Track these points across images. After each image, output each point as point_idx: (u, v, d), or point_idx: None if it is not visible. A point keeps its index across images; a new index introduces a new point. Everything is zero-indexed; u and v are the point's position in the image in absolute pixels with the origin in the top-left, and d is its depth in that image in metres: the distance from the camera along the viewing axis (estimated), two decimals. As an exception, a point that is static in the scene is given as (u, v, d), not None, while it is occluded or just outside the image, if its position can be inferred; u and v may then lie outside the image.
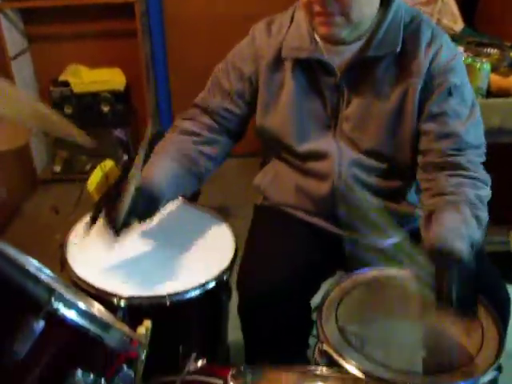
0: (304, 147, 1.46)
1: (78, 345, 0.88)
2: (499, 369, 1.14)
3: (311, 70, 1.42)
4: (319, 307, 1.27)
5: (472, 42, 2.36)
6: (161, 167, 1.42)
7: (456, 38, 2.41)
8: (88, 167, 3.18)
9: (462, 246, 1.21)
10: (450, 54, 1.38)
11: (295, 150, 1.47)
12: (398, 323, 1.29)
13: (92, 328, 0.87)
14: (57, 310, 0.83)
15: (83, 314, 0.87)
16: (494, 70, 2.21)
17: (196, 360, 1.26)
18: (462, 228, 1.25)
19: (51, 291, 0.83)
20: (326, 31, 1.32)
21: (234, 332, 1.62)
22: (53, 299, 0.82)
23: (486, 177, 1.39)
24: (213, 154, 1.52)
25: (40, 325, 0.82)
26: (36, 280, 0.83)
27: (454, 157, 1.36)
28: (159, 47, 3.26)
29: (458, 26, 2.53)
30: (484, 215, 1.32)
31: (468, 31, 2.50)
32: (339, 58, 1.39)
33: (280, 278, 1.37)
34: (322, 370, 0.75)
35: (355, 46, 1.37)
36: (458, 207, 1.30)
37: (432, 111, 1.37)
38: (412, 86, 1.36)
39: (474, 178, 1.35)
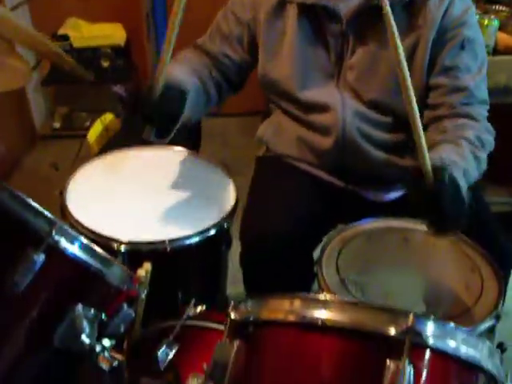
0: (306, 96, 1.43)
1: (79, 280, 0.87)
2: (497, 318, 1.14)
3: (316, 16, 1.39)
4: (319, 257, 1.27)
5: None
6: (182, 72, 1.39)
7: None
8: (87, 123, 3.14)
9: (456, 174, 1.17)
10: (464, 7, 1.36)
11: (297, 98, 1.44)
12: (398, 273, 1.29)
13: (93, 263, 0.87)
14: (58, 242, 0.82)
15: (85, 248, 0.86)
16: (502, 27, 2.18)
17: (195, 306, 1.27)
18: (457, 160, 1.22)
19: (52, 223, 0.82)
20: None
21: (235, 288, 1.63)
22: (54, 232, 0.81)
23: (491, 128, 1.38)
24: (215, 92, 1.50)
25: (41, 258, 0.81)
26: (37, 212, 0.82)
27: (464, 108, 1.35)
28: (160, 1, 3.19)
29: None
30: (483, 157, 1.31)
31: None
32: (345, 5, 1.35)
33: (282, 228, 1.36)
34: (326, 296, 0.75)
35: None
36: (457, 143, 1.29)
37: (444, 65, 1.35)
38: (423, 37, 1.33)
39: (478, 125, 1.35)
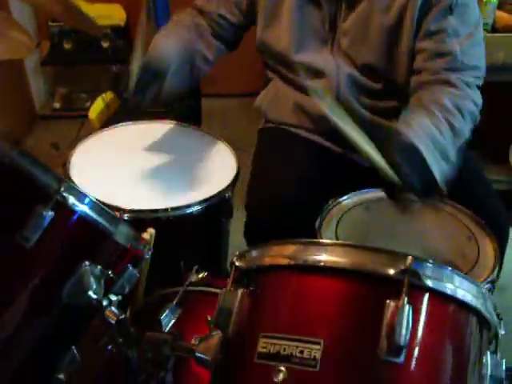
0: (302, 60, 1.46)
1: (87, 237, 0.90)
2: (493, 282, 1.17)
3: None
4: (319, 226, 1.29)
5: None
6: (168, 42, 1.45)
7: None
8: (87, 104, 3.14)
9: (420, 146, 1.19)
10: None
11: (294, 63, 1.47)
12: (397, 242, 1.30)
13: (101, 221, 0.89)
14: (66, 199, 0.84)
15: (93, 206, 0.88)
16: (501, 6, 2.20)
17: (197, 273, 1.29)
18: (426, 127, 1.24)
19: (60, 181, 0.84)
20: None
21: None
22: (62, 189, 0.84)
23: (476, 97, 1.36)
24: (207, 55, 1.54)
25: (49, 214, 0.83)
26: (45, 169, 0.84)
27: (446, 74, 1.34)
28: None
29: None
30: (461, 126, 1.29)
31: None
32: None
33: (285, 193, 1.38)
34: (327, 242, 0.78)
35: None
36: (430, 109, 1.29)
37: (429, 29, 1.34)
38: (411, 0, 1.34)
39: (459, 91, 1.33)
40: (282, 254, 0.75)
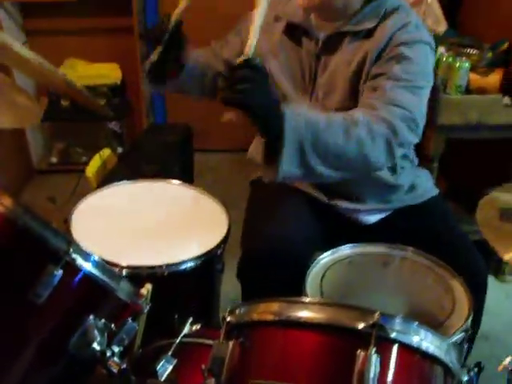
0: (285, 100, 1.58)
1: (92, 293, 0.99)
2: (467, 331, 1.26)
3: (298, 35, 1.58)
4: (304, 282, 1.37)
5: (454, 43, 2.49)
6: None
7: (439, 39, 2.54)
8: (84, 158, 3.26)
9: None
10: (413, 36, 1.46)
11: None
12: (379, 295, 1.40)
13: (105, 279, 0.98)
14: (74, 260, 0.94)
15: (98, 265, 0.98)
16: (474, 69, 2.34)
17: (191, 325, 1.37)
18: (313, 115, 1.32)
19: (70, 243, 0.94)
20: (300, 2, 1.48)
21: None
22: (71, 250, 0.93)
23: (399, 128, 1.36)
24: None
25: (59, 273, 0.92)
26: (56, 232, 0.94)
27: (373, 100, 1.40)
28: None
29: (442, 27, 2.66)
30: (357, 133, 1.30)
31: (451, 32, 2.63)
32: (324, 31, 1.54)
33: (278, 242, 1.48)
34: (306, 298, 0.88)
35: (336, 25, 1.52)
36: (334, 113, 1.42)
37: (374, 72, 1.46)
38: (370, 51, 1.47)
39: (377, 113, 1.36)
40: (269, 310, 0.85)
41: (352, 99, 1.51)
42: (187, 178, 2.60)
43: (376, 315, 0.78)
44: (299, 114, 1.28)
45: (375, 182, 1.59)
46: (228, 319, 0.90)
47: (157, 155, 2.34)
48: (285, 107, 1.27)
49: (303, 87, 1.59)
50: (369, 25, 1.48)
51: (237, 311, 0.91)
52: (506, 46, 2.41)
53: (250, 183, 1.80)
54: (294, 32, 1.58)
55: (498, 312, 2.25)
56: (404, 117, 1.37)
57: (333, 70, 1.53)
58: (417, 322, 0.83)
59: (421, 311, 1.36)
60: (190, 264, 1.43)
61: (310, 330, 0.82)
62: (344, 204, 1.61)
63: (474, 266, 1.50)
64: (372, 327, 0.78)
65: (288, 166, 1.25)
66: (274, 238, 1.49)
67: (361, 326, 0.79)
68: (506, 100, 2.27)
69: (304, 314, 0.82)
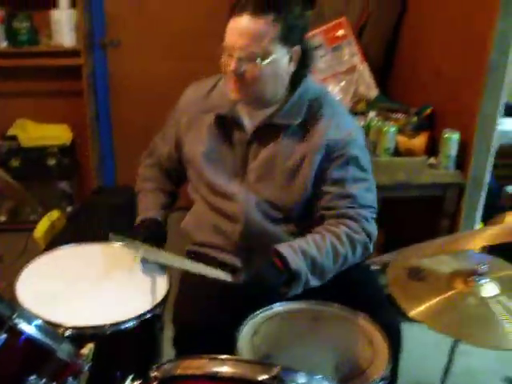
0: (217, 187, 1.70)
1: (34, 354, 1.06)
2: (387, 379, 1.37)
3: (227, 126, 1.69)
4: (236, 338, 1.45)
5: (383, 108, 2.70)
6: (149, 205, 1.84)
7: (370, 104, 2.75)
8: (33, 217, 3.28)
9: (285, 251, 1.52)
10: (348, 129, 1.64)
11: (211, 189, 1.72)
12: (309, 349, 1.50)
13: (47, 341, 1.06)
14: (17, 324, 1.02)
15: (41, 328, 1.06)
16: (401, 132, 2.55)
17: (132, 381, 1.44)
18: (307, 248, 1.53)
19: (13, 308, 1.02)
20: (232, 96, 1.60)
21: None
22: (15, 315, 1.01)
23: (372, 228, 1.63)
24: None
25: (2, 336, 1.00)
26: (0, 299, 1.02)
27: (347, 210, 1.61)
28: (104, 106, 3.48)
29: (373, 93, 2.87)
30: (344, 252, 1.57)
31: (381, 98, 2.84)
32: (252, 120, 1.66)
33: (209, 314, 1.57)
34: (225, 356, 0.98)
35: (267, 111, 1.64)
36: (323, 234, 1.57)
37: (333, 177, 1.62)
38: (310, 153, 1.61)
39: (356, 224, 1.60)
40: (191, 366, 0.96)
41: (286, 191, 1.65)
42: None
43: (276, 369, 0.90)
44: (296, 251, 1.52)
45: None
46: (154, 374, 1.00)
47: (105, 217, 2.41)
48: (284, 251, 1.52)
49: (234, 172, 1.70)
50: (298, 118, 1.62)
51: (163, 367, 1.00)
52: (429, 111, 2.63)
53: (186, 252, 1.87)
54: (224, 122, 1.70)
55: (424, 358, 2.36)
56: (372, 215, 1.65)
57: (266, 158, 1.65)
58: (320, 376, 0.95)
59: (347, 361, 1.46)
60: (131, 323, 1.51)
61: (224, 382, 0.92)
62: None
63: (389, 318, 1.61)
64: (273, 379, 0.89)
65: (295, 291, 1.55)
66: (205, 312, 1.58)
67: (264, 377, 0.90)
68: (432, 160, 2.47)
69: (220, 369, 0.93)
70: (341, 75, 2.95)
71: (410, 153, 2.51)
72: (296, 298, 1.58)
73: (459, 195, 2.47)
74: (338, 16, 2.99)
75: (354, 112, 2.69)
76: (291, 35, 1.55)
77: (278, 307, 1.57)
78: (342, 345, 1.50)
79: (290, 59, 1.59)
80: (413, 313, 1.28)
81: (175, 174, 1.88)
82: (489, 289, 1.31)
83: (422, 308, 1.29)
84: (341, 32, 2.97)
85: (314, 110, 1.64)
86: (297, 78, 1.64)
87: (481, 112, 2.33)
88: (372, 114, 2.59)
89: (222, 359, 0.96)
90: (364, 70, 2.92)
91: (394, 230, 2.61)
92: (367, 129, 2.48)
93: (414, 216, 2.71)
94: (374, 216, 1.65)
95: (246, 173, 1.68)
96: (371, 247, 1.62)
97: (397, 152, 2.50)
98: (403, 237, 1.73)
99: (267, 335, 1.49)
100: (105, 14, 3.34)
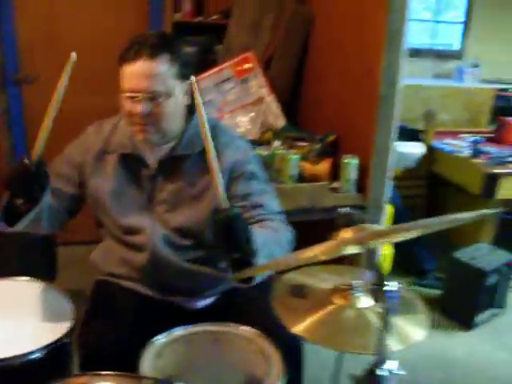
0: (124, 223, 1.76)
1: None
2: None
3: (132, 163, 1.76)
4: (139, 362, 1.48)
5: (289, 137, 2.85)
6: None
7: (277, 134, 2.90)
8: None
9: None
10: (244, 149, 1.78)
11: (118, 225, 1.77)
12: (213, 370, 1.57)
13: None
14: None
15: None
16: (306, 159, 2.69)
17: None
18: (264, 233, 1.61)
19: None
20: (141, 137, 1.68)
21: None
22: None
23: (290, 229, 1.74)
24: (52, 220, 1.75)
25: None
26: None
27: (263, 217, 1.71)
28: (20, 143, 3.46)
29: (280, 123, 3.02)
30: (282, 235, 1.68)
31: (288, 127, 2.99)
32: (155, 155, 1.74)
33: (114, 340, 1.62)
34: (105, 372, 1.06)
35: (167, 146, 1.73)
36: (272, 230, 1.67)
37: (240, 194, 1.72)
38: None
39: (276, 222, 1.71)
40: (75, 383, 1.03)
41: (195, 218, 1.73)
42: (49, 273, 2.68)
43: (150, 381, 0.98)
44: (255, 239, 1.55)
45: (212, 277, 1.81)
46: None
47: (17, 253, 2.41)
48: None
49: (143, 206, 1.77)
50: (198, 147, 1.70)
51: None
52: (332, 138, 2.79)
53: (95, 282, 1.91)
54: (128, 160, 1.76)
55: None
56: (284, 219, 1.76)
57: (172, 190, 1.74)
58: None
59: (247, 381, 1.54)
60: (39, 354, 1.55)
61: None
62: (177, 298, 1.81)
63: (289, 339, 1.70)
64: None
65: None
66: (110, 338, 1.62)
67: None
68: (335, 185, 2.63)
69: None
70: (249, 106, 3.09)
71: (314, 178, 2.65)
72: (195, 320, 1.66)
73: (360, 216, 2.62)
74: (246, 50, 3.15)
75: (261, 142, 2.82)
76: (186, 71, 1.67)
77: (179, 331, 1.64)
78: (242, 364, 1.58)
79: (185, 93, 1.70)
80: (295, 328, 1.37)
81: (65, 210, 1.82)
82: (365, 301, 1.43)
83: (303, 323, 1.38)
84: (248, 65, 3.12)
85: (212, 137, 1.74)
86: (192, 110, 1.74)
87: (375, 139, 2.51)
88: (277, 143, 2.73)
89: (102, 374, 1.03)
90: (271, 101, 3.07)
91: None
92: (272, 157, 2.61)
93: (320, 237, 2.84)
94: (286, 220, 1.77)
95: (154, 206, 1.75)
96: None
97: (302, 178, 2.64)
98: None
99: (170, 358, 1.55)
100: (18, 49, 3.33)
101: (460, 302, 3.06)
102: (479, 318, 3.05)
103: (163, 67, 1.61)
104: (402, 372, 1.24)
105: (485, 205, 3.36)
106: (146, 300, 1.79)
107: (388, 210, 3.18)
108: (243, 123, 3.09)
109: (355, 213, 1.28)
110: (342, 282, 1.48)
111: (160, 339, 1.60)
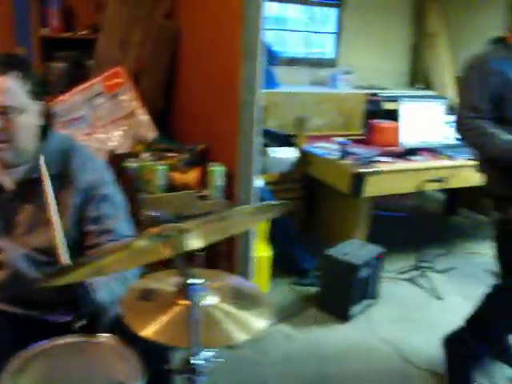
0: None
1: None
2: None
3: None
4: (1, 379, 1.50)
5: (159, 148, 2.90)
6: None
7: (148, 146, 2.94)
8: None
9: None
10: (100, 171, 1.79)
11: None
12: (79, 380, 1.58)
13: None
14: None
15: None
16: (176, 169, 2.76)
17: None
18: None
19: None
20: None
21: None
22: None
23: None
24: None
25: None
26: None
27: (112, 242, 1.73)
28: None
29: (152, 135, 3.07)
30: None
31: (160, 139, 3.05)
32: (10, 178, 1.74)
33: None
34: None
35: (23, 169, 1.73)
36: None
37: (91, 216, 1.74)
38: (70, 197, 1.72)
39: None
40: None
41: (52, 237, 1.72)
42: None
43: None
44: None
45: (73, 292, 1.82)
46: None
47: None
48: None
49: (2, 229, 1.75)
50: (54, 169, 1.71)
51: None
52: (201, 147, 2.87)
53: None
54: None
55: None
56: None
57: (31, 211, 1.73)
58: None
59: None
60: None
61: None
62: (40, 313, 1.80)
63: (156, 351, 1.74)
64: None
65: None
66: None
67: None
68: (204, 192, 2.70)
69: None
70: (121, 120, 3.12)
71: (184, 187, 2.71)
72: (59, 334, 1.66)
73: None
74: (116, 64, 3.18)
75: (132, 154, 2.85)
76: (39, 91, 1.68)
77: (42, 345, 1.63)
78: (105, 371, 1.60)
79: (39, 113, 1.70)
80: (144, 332, 1.41)
81: None
82: (210, 299, 1.50)
83: (152, 326, 1.43)
84: (118, 80, 3.15)
85: (67, 159, 1.75)
86: (46, 131, 1.75)
87: (239, 145, 2.61)
88: (146, 155, 2.77)
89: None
90: (142, 114, 3.12)
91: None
92: (141, 169, 2.65)
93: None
94: None
95: (12, 228, 1.74)
96: None
97: (173, 187, 2.70)
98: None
99: (33, 374, 1.53)
100: None
101: (336, 297, 3.21)
102: (354, 309, 3.21)
103: (14, 83, 1.62)
104: (220, 359, 1.32)
105: (356, 203, 3.56)
106: (10, 316, 1.78)
107: (263, 213, 3.30)
108: (115, 137, 3.11)
109: (160, 215, 1.35)
110: (185, 283, 1.54)
111: (22, 355, 1.59)
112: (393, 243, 4.02)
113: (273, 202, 1.43)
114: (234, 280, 1.67)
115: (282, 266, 3.58)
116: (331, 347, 2.93)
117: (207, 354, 1.31)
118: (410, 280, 3.73)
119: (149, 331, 1.42)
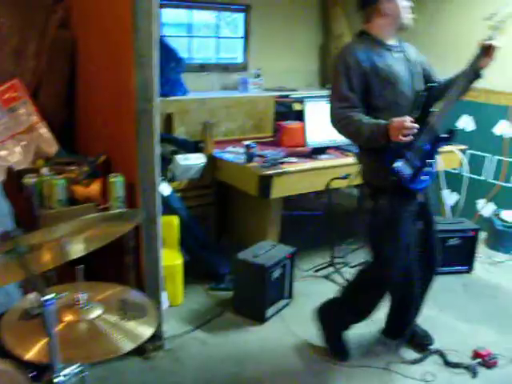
0: None
1: None
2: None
3: None
4: None
5: (60, 162, 2.84)
6: None
7: (48, 161, 2.88)
8: None
9: None
10: None
11: None
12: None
13: None
14: None
15: None
16: (77, 182, 2.71)
17: None
18: None
19: None
20: None
21: None
22: None
23: None
24: None
25: None
26: None
27: None
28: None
29: (53, 149, 3.01)
30: None
31: (61, 153, 2.99)
32: None
33: None
34: None
35: None
36: None
37: None
38: None
39: None
40: None
41: None
42: None
43: None
44: None
45: None
46: None
47: None
48: None
49: None
50: None
51: None
52: (103, 158, 2.84)
53: None
54: None
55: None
56: None
57: None
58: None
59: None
60: None
61: None
62: None
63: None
64: None
65: None
66: None
67: None
68: (106, 204, 2.67)
69: None
70: (20, 135, 3.04)
71: (87, 200, 2.67)
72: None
73: (136, 232, 2.68)
74: (11, 78, 3.09)
75: (33, 170, 2.78)
76: None
77: None
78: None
79: None
80: (29, 355, 1.38)
81: None
82: (94, 311, 1.49)
83: (37, 347, 1.40)
84: (15, 93, 3.07)
85: None
86: None
87: (138, 154, 2.58)
88: (45, 169, 2.70)
89: None
90: (42, 127, 3.05)
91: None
92: (39, 184, 2.59)
93: (104, 256, 2.87)
94: None
95: None
96: None
97: (75, 201, 2.65)
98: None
99: None
100: None
101: (250, 299, 3.24)
102: (270, 310, 3.25)
103: None
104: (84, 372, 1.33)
105: (266, 205, 3.61)
106: None
107: (173, 221, 3.30)
108: (15, 153, 3.02)
109: (11, 231, 1.34)
110: (69, 299, 1.52)
111: None
112: (309, 242, 4.12)
113: (123, 210, 1.44)
114: (122, 291, 1.67)
115: (198, 273, 3.59)
116: (248, 349, 2.96)
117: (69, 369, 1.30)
118: (326, 277, 3.82)
119: (33, 354, 1.40)
